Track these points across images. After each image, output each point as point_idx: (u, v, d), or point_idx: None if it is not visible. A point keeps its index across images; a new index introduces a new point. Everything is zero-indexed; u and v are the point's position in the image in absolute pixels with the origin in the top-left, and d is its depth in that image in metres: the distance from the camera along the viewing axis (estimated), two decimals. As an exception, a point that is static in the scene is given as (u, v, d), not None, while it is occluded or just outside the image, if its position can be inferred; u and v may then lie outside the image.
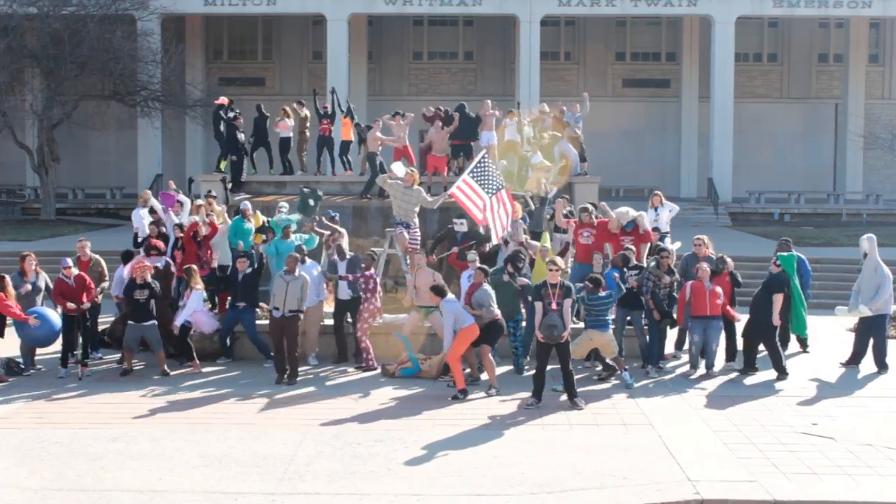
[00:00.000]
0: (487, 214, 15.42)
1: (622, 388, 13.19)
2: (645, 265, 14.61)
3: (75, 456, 10.23)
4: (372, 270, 14.43)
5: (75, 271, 14.17)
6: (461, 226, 15.92)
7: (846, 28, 42.16)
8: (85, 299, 13.95)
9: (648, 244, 15.46)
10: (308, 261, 14.68)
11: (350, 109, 23.58)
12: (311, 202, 17.54)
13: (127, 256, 15.35)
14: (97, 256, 15.24)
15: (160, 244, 15.39)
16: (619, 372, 13.47)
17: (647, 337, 14.36)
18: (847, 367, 14.65)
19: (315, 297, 14.45)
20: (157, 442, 10.71)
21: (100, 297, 14.79)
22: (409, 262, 15.63)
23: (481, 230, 15.85)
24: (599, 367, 13.98)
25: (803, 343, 15.70)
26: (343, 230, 16.19)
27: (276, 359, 13.68)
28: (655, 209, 17.14)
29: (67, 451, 10.40)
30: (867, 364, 14.64)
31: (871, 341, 14.57)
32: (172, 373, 13.97)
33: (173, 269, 15.14)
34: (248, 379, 13.81)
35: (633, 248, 14.82)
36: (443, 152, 20.43)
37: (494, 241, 15.67)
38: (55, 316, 14.04)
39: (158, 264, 14.84)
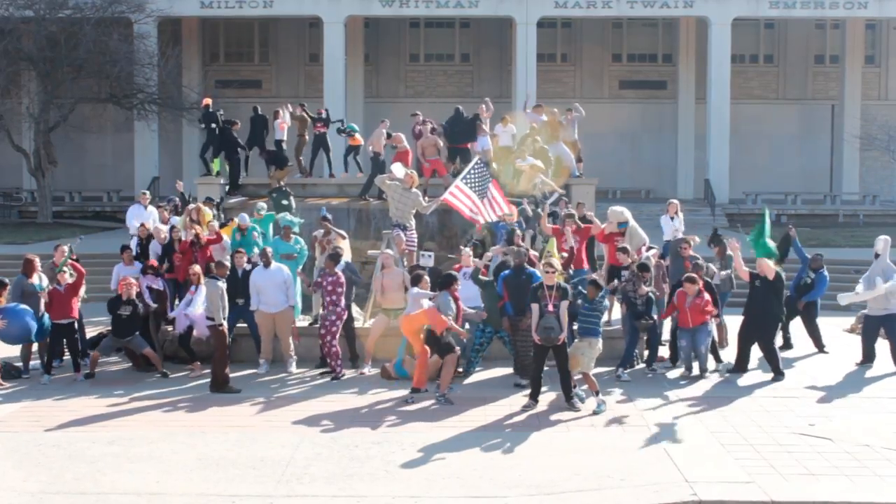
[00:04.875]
0: (478, 216, 15.63)
1: (619, 390, 13.18)
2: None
3: (72, 459, 10.23)
4: (337, 274, 13.92)
5: (69, 280, 14.15)
6: (428, 259, 15.36)
7: (842, 29, 42.24)
8: (73, 309, 14.00)
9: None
10: (274, 264, 14.37)
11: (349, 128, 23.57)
12: (285, 202, 17.54)
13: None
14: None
15: (155, 263, 15.23)
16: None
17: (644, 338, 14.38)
18: (861, 366, 14.66)
19: (285, 302, 14.30)
20: (155, 444, 10.71)
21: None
22: (405, 263, 15.57)
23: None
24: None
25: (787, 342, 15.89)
26: (343, 233, 16.08)
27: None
28: (672, 218, 17.12)
29: (64, 454, 10.40)
30: (869, 364, 14.70)
31: (889, 343, 14.55)
32: (171, 375, 13.97)
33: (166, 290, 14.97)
34: (245, 381, 13.75)
35: (628, 247, 14.77)
36: (434, 155, 20.39)
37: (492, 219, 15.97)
38: (25, 312, 13.54)
39: (155, 285, 14.77)
